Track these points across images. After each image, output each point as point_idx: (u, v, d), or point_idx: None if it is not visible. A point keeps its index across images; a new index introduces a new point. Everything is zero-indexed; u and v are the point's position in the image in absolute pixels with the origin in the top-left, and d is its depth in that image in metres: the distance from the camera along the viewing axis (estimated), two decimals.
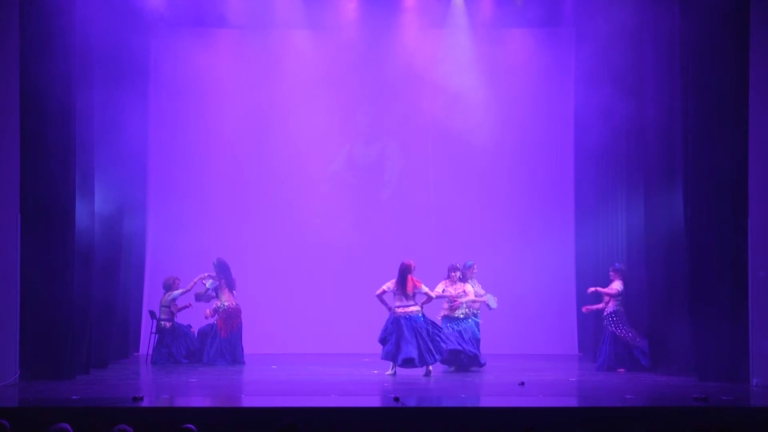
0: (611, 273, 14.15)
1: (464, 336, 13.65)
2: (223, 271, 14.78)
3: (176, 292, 14.94)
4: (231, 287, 14.81)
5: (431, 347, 13.06)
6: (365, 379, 12.86)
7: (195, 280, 14.89)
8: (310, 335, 15.91)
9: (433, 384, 12.33)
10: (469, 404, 10.30)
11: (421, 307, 13.23)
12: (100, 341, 13.61)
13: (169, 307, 14.95)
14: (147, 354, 14.91)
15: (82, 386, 11.37)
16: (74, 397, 10.33)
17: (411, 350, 12.95)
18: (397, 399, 9.86)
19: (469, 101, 16.02)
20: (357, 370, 13.51)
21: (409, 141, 16.71)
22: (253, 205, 16.55)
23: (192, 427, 7.14)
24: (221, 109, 16.47)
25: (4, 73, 11.76)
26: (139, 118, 15.22)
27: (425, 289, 13.26)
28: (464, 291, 13.76)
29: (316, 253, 16.26)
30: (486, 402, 10.91)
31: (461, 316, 13.73)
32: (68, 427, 6.78)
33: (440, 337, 13.26)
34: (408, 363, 12.99)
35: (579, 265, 16.13)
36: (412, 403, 9.87)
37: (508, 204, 16.48)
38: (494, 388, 12.04)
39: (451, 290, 13.75)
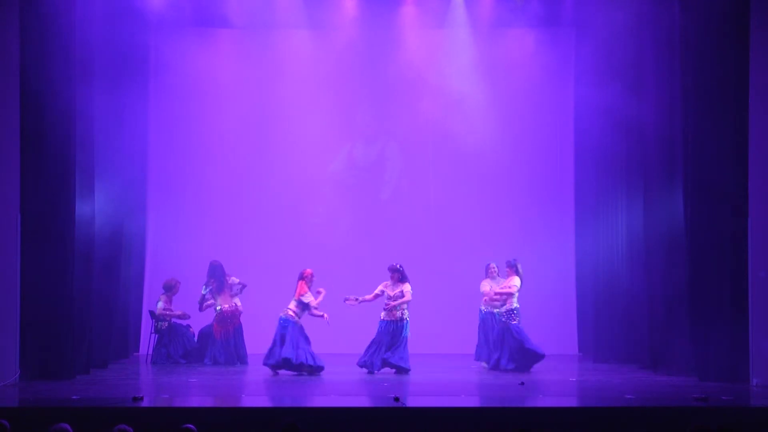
0: (507, 269, 14.02)
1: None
2: (213, 274, 14.81)
3: (160, 305, 14.99)
4: (222, 290, 14.81)
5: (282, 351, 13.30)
6: (365, 379, 12.87)
7: (177, 313, 15.03)
8: (310, 335, 15.87)
9: (433, 384, 12.32)
10: (469, 404, 10.30)
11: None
12: (100, 341, 13.61)
13: (158, 310, 15.01)
14: (147, 354, 14.92)
15: (82, 386, 11.37)
16: (74, 397, 10.32)
17: (285, 351, 13.26)
18: (397, 399, 9.86)
19: (469, 101, 16.04)
20: (357, 370, 13.51)
21: (409, 141, 16.71)
22: (253, 205, 16.56)
23: (192, 427, 7.14)
24: (221, 109, 16.48)
25: (4, 73, 11.76)
26: (139, 118, 15.25)
27: (305, 299, 13.48)
28: (401, 292, 13.61)
29: (316, 253, 16.24)
30: (486, 402, 10.90)
31: (403, 317, 13.62)
32: (68, 427, 6.78)
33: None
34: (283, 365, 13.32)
35: (579, 265, 16.13)
36: (412, 403, 9.87)
37: (508, 204, 16.48)
38: (494, 388, 12.03)
39: (390, 291, 13.68)
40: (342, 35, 16.18)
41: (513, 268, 13.97)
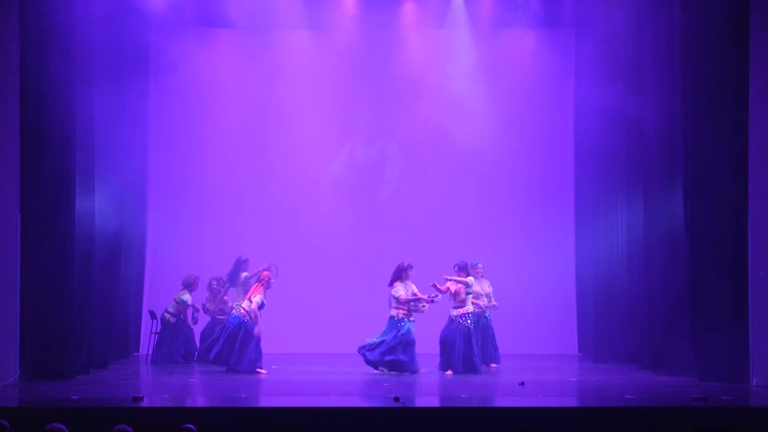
0: (456, 271, 13.62)
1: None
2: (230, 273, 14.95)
3: (187, 297, 14.91)
4: (234, 286, 14.89)
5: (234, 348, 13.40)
6: (365, 379, 12.86)
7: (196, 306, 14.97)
8: (310, 335, 15.91)
9: (433, 384, 12.32)
10: (469, 404, 10.30)
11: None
12: (100, 341, 13.61)
13: (179, 303, 14.91)
14: (147, 354, 14.90)
15: (82, 386, 11.37)
16: (74, 397, 10.32)
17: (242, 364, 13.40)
18: (397, 399, 9.86)
19: (469, 101, 16.04)
20: (357, 370, 13.51)
21: (409, 141, 16.71)
22: (253, 205, 16.56)
23: (192, 427, 7.14)
24: (222, 109, 16.48)
25: (4, 73, 11.75)
26: (139, 118, 15.26)
27: (254, 299, 13.48)
28: (413, 292, 13.56)
29: (316, 253, 16.26)
30: (486, 402, 10.91)
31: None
32: (63, 427, 6.77)
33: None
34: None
35: (579, 265, 16.12)
36: (412, 403, 9.87)
37: (508, 204, 16.48)
38: (494, 388, 12.04)
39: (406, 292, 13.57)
40: (342, 35, 16.18)
41: (464, 270, 13.73)
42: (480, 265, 14.29)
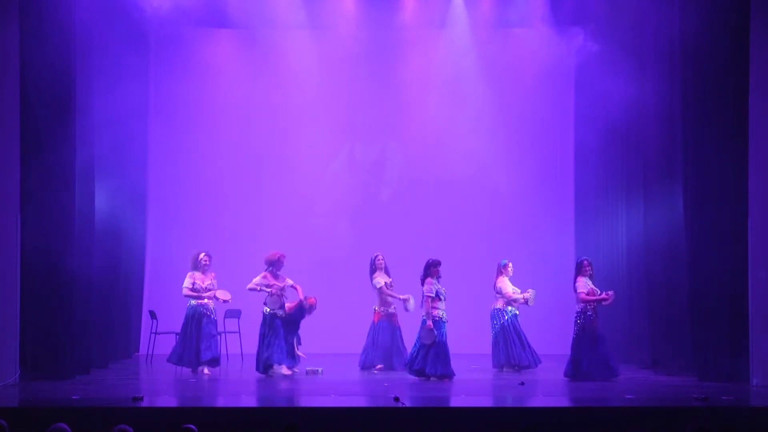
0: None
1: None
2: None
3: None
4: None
5: None
6: (365, 379, 12.86)
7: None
8: (311, 335, 15.86)
9: (433, 384, 12.32)
10: (469, 404, 10.29)
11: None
12: (100, 341, 13.62)
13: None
14: (147, 354, 14.88)
15: (82, 386, 11.37)
16: (74, 397, 10.32)
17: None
18: (397, 399, 9.85)
19: (469, 100, 16.05)
20: (357, 370, 13.51)
21: (409, 141, 16.71)
22: (254, 206, 16.56)
23: (192, 427, 7.14)
24: (222, 110, 16.49)
25: (4, 73, 11.75)
26: (139, 117, 15.26)
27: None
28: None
29: (316, 254, 16.25)
30: (486, 402, 10.90)
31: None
32: (66, 427, 6.77)
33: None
34: None
35: None
36: (412, 403, 9.87)
37: (508, 204, 16.47)
38: (494, 388, 12.03)
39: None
40: (342, 35, 16.19)
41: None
42: (510, 265, 14.11)
